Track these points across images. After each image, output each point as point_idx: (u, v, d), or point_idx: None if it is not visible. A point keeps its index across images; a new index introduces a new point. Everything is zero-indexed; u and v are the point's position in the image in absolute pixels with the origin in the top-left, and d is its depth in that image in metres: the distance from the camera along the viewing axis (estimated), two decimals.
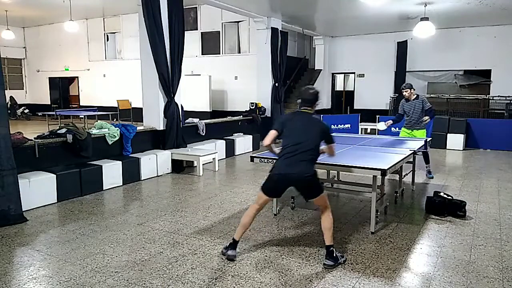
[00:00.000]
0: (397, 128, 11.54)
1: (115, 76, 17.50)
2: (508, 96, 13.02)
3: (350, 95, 16.69)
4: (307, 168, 3.70)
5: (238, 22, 14.91)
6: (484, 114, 13.41)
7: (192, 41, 14.67)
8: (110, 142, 6.96)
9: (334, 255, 3.72)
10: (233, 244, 3.87)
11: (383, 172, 4.18)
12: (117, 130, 7.12)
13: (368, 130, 12.78)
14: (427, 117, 7.05)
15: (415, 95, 7.21)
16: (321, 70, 16.27)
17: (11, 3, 13.40)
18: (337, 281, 3.44)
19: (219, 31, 15.33)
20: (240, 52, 15.26)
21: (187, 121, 8.97)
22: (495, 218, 5.12)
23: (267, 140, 3.88)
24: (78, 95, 19.19)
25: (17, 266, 3.76)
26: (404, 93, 7.22)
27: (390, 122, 7.19)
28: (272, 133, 3.88)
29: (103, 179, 6.46)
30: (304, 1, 10.22)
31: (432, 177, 7.40)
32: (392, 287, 3.36)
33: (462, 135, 10.77)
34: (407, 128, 7.33)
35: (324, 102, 16.86)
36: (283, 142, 3.83)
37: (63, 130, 6.35)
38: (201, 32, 15.66)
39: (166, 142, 7.91)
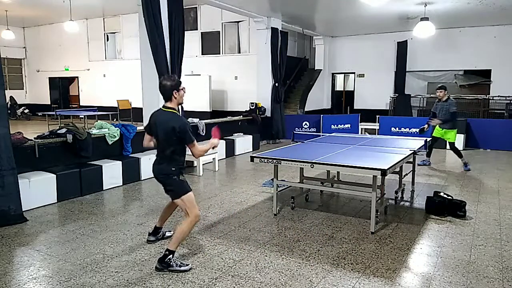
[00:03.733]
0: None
1: (115, 76, 17.50)
2: (508, 96, 13.02)
3: (350, 95, 16.69)
4: (161, 168, 3.74)
5: (238, 22, 14.91)
6: (484, 114, 13.41)
7: (192, 41, 14.65)
8: (110, 142, 6.96)
9: (166, 260, 3.59)
10: (154, 231, 4.32)
11: (383, 172, 4.18)
12: (117, 130, 7.12)
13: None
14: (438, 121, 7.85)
15: (447, 97, 8.01)
16: (321, 70, 16.27)
17: (11, 3, 13.40)
18: (337, 281, 3.44)
19: (219, 31, 15.32)
20: (240, 52, 15.25)
21: None
22: (495, 218, 5.12)
23: (144, 142, 4.00)
24: (78, 95, 19.19)
25: (17, 266, 3.76)
26: (437, 93, 8.06)
27: (426, 126, 7.98)
28: (146, 136, 3.96)
29: (103, 179, 6.47)
30: (304, 1, 10.22)
31: (469, 170, 7.95)
32: (392, 287, 3.36)
33: (462, 135, 10.75)
34: (440, 127, 8.07)
35: (324, 102, 16.88)
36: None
37: (63, 130, 6.35)
38: (201, 32, 15.65)
39: None
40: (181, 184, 3.75)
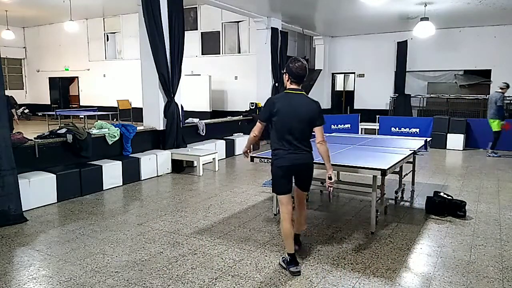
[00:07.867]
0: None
1: (115, 76, 17.50)
2: (508, 96, 13.00)
3: (350, 95, 16.68)
4: (310, 156, 3.81)
5: (238, 22, 14.91)
6: (484, 114, 13.37)
7: (192, 41, 14.66)
8: (110, 142, 6.96)
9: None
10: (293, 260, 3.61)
11: (383, 172, 4.18)
12: (117, 130, 7.12)
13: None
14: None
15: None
16: (321, 70, 16.27)
17: (11, 3, 13.40)
18: (337, 281, 3.44)
19: (219, 31, 15.32)
20: (240, 52, 15.25)
21: (187, 121, 8.98)
22: (495, 218, 5.12)
23: (256, 133, 4.14)
24: (78, 95, 19.19)
25: (17, 266, 3.76)
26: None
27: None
28: (259, 125, 4.12)
29: (103, 179, 6.46)
30: (304, 1, 10.22)
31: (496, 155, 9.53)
32: (392, 287, 3.36)
33: (462, 135, 10.77)
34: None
35: (324, 102, 16.87)
36: None
37: (63, 130, 6.36)
38: (201, 32, 15.66)
39: (166, 142, 7.91)
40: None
